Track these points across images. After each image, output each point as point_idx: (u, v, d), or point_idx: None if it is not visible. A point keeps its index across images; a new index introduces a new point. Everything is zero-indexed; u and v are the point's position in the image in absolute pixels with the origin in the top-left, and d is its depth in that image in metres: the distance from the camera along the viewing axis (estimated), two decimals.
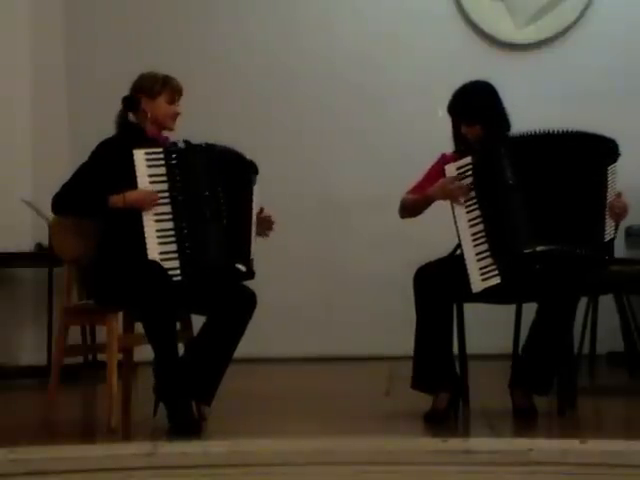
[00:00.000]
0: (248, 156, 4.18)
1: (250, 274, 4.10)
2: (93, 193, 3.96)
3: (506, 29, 6.52)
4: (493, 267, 4.02)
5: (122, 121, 4.13)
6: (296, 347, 6.29)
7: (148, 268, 3.85)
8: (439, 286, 4.07)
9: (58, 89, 6.42)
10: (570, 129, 4.07)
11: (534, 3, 6.49)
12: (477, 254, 4.04)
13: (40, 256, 5.82)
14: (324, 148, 6.54)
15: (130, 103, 4.11)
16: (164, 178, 3.96)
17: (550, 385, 4.12)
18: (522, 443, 3.42)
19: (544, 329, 4.05)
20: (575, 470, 3.28)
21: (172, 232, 3.93)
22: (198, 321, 4.01)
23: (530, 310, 4.18)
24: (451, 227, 4.12)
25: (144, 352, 3.99)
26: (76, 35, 6.51)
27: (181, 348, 4.00)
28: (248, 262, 4.09)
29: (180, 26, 6.61)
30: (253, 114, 6.49)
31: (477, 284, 4.03)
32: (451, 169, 4.10)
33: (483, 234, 4.05)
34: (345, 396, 4.91)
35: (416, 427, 4.03)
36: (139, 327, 3.96)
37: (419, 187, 4.30)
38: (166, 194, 3.96)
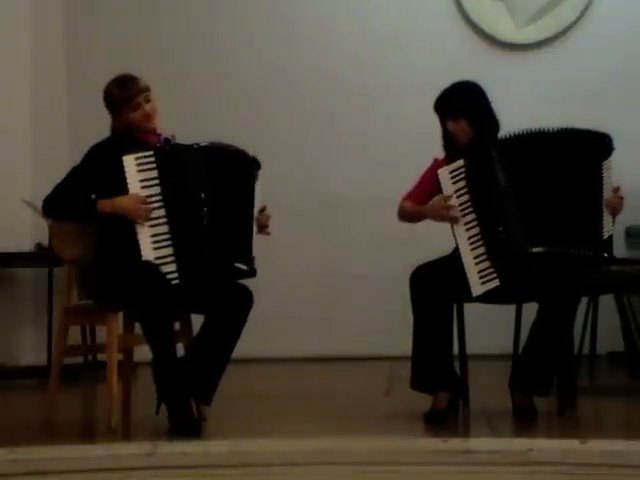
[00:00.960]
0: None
1: (252, 272, 4.07)
2: (81, 197, 3.94)
3: (506, 29, 6.51)
4: (491, 270, 4.02)
5: (113, 125, 4.11)
6: (296, 347, 6.29)
7: (144, 269, 3.85)
8: (435, 287, 4.06)
9: (58, 89, 6.42)
10: (561, 126, 4.05)
11: (534, 3, 6.48)
12: (475, 257, 4.03)
13: (40, 256, 5.82)
14: (324, 148, 6.54)
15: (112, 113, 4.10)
16: (156, 182, 3.92)
17: (550, 385, 4.12)
18: (522, 443, 3.42)
19: (544, 329, 4.05)
20: (575, 470, 3.28)
21: (167, 236, 3.90)
22: (198, 321, 4.01)
23: (530, 310, 4.18)
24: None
25: (144, 352, 3.98)
26: (76, 35, 6.51)
27: (180, 348, 4.00)
28: (249, 260, 4.07)
29: (180, 26, 6.61)
30: (252, 114, 6.48)
31: (477, 288, 4.03)
32: (444, 173, 4.09)
33: (479, 237, 4.05)
34: (345, 396, 4.91)
35: (416, 427, 4.02)
36: (139, 327, 3.95)
37: (414, 194, 4.30)
38: (159, 197, 3.91)
